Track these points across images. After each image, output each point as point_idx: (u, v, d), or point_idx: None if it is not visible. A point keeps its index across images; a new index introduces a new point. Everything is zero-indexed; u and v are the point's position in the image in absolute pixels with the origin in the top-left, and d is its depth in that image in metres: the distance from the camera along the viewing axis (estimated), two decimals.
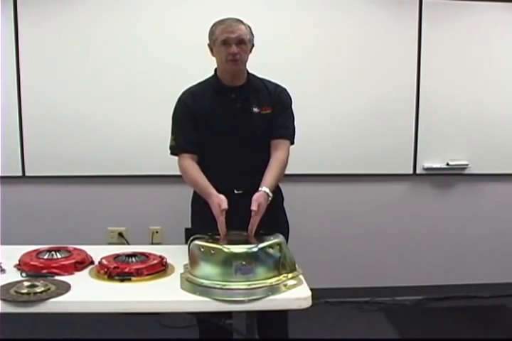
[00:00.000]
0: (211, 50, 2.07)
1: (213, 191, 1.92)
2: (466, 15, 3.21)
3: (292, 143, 2.15)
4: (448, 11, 3.18)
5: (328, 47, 3.15)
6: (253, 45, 2.08)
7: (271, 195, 1.92)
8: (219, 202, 1.84)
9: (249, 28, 2.05)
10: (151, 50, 3.03)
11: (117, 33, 3.01)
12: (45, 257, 1.79)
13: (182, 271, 1.74)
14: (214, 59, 2.08)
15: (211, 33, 2.04)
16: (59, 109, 3.03)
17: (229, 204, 1.90)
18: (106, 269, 1.69)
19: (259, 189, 1.91)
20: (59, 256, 1.81)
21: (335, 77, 3.17)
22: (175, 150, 2.10)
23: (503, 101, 3.30)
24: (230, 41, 1.98)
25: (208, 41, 2.08)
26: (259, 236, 1.76)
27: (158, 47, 3.03)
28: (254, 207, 1.82)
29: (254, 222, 1.81)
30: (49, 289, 1.54)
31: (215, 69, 2.13)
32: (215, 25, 2.05)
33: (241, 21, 2.03)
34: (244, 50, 2.02)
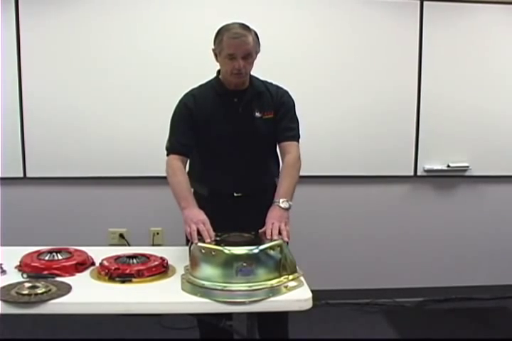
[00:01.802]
0: (215, 55, 2.04)
1: (194, 202, 1.92)
2: (466, 17, 3.21)
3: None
4: (449, 13, 3.18)
5: (328, 49, 3.15)
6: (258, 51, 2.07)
7: (286, 205, 1.91)
8: (191, 224, 1.80)
9: (256, 35, 2.02)
10: (152, 52, 3.03)
11: (118, 35, 3.02)
12: (46, 258, 1.79)
13: (183, 272, 1.73)
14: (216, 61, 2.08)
15: (218, 41, 2.00)
16: (60, 110, 3.04)
17: (229, 206, 1.91)
18: (107, 270, 1.69)
19: (273, 202, 1.92)
20: (60, 257, 1.81)
21: (335, 79, 3.17)
22: (169, 150, 2.10)
23: (504, 102, 3.30)
24: (237, 56, 1.95)
25: (212, 46, 2.04)
26: (260, 238, 1.77)
27: (159, 49, 3.03)
28: (267, 226, 1.81)
29: (273, 233, 1.79)
30: (50, 290, 1.54)
31: (218, 71, 2.12)
32: (221, 32, 1.99)
33: (248, 29, 1.98)
34: (249, 62, 2.01)
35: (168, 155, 2.08)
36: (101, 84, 3.04)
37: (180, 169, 2.02)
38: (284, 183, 2.00)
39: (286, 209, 1.91)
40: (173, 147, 2.08)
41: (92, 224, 3.13)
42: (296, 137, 2.13)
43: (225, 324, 1.72)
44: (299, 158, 2.09)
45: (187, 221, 1.83)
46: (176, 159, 2.05)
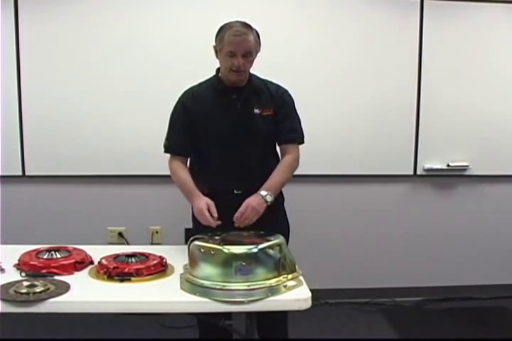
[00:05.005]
0: (216, 52, 2.05)
1: (197, 193, 1.99)
2: (467, 16, 3.21)
3: (302, 142, 2.18)
4: (449, 11, 3.18)
5: (329, 48, 3.14)
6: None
7: (269, 198, 1.95)
8: (202, 207, 1.91)
9: (258, 34, 2.03)
10: (151, 50, 3.02)
11: (118, 34, 3.01)
12: (45, 257, 1.79)
13: (182, 271, 1.74)
14: (216, 59, 2.08)
15: (219, 38, 2.01)
16: (59, 109, 3.03)
17: (229, 204, 1.91)
18: (105, 269, 1.69)
19: (257, 192, 1.96)
20: (58, 255, 1.81)
21: (335, 78, 3.17)
22: (167, 149, 2.15)
23: (503, 102, 3.30)
24: (237, 53, 1.97)
25: (214, 43, 2.05)
26: (260, 237, 1.77)
27: (158, 48, 3.02)
28: (241, 209, 1.90)
29: (240, 220, 1.89)
30: (48, 289, 1.54)
31: (218, 69, 2.13)
32: (223, 29, 2.00)
33: (250, 28, 2.00)
34: (249, 60, 2.02)
35: (165, 152, 2.14)
36: (100, 83, 3.03)
37: (179, 166, 2.10)
38: (274, 177, 2.04)
39: (266, 202, 1.94)
40: (171, 147, 2.13)
41: (90, 223, 3.13)
42: (298, 139, 2.16)
43: (224, 323, 1.72)
44: (297, 159, 2.13)
45: (195, 209, 1.96)
46: (174, 159, 2.13)
